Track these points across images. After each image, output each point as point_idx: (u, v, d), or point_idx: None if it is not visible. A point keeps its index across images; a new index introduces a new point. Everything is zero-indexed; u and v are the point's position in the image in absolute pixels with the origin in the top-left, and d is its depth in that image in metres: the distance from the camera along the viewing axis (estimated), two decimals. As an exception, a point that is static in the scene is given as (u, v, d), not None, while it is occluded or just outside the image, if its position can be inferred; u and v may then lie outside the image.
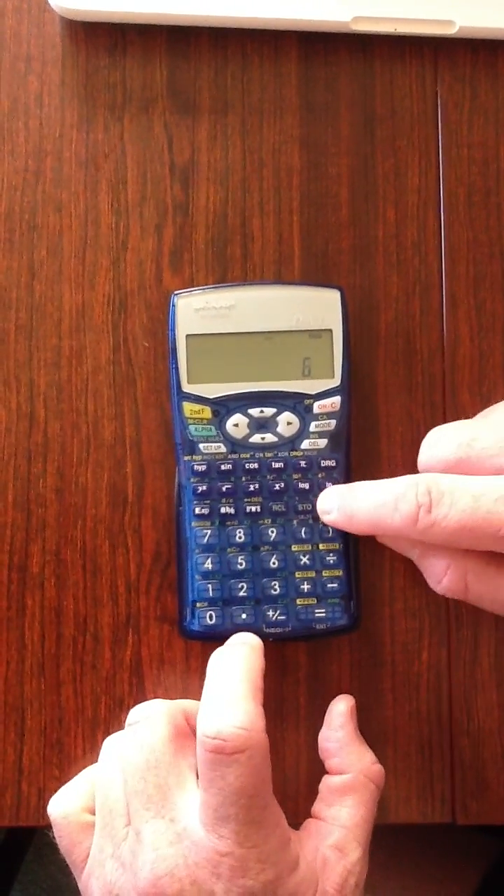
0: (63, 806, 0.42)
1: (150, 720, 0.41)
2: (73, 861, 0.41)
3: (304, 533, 0.44)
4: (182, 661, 0.46)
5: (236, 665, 0.40)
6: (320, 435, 0.44)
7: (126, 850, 0.38)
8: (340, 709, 0.45)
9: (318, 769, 0.44)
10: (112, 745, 0.42)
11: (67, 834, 0.41)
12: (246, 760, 0.36)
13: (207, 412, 0.44)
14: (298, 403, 0.44)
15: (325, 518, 0.44)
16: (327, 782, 0.43)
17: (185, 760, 0.40)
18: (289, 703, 0.46)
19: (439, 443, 0.42)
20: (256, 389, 0.44)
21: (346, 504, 0.43)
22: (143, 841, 0.38)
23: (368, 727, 0.45)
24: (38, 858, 0.81)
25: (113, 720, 0.46)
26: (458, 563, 0.42)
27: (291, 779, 0.45)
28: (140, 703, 0.43)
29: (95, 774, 0.42)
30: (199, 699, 0.41)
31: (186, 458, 0.44)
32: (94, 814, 0.41)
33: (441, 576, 0.42)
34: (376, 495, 0.42)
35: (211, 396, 0.44)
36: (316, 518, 0.44)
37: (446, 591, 0.42)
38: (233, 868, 0.36)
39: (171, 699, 0.44)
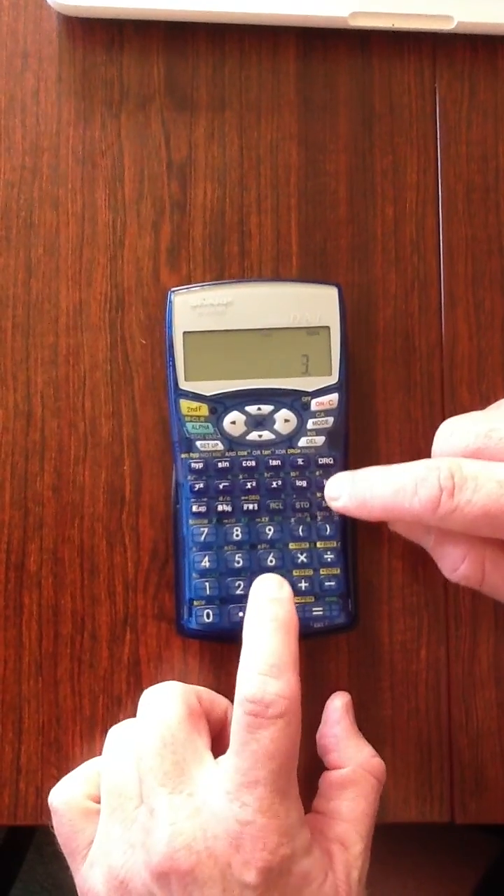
0: (65, 793, 0.41)
1: (163, 700, 0.41)
2: (72, 850, 0.40)
3: (302, 531, 0.44)
4: (180, 660, 0.46)
5: (275, 628, 0.39)
6: (318, 432, 0.44)
7: (137, 830, 0.38)
8: (336, 705, 0.45)
9: (317, 768, 0.44)
10: (119, 733, 0.42)
11: (69, 821, 0.41)
12: (283, 726, 0.37)
13: (204, 409, 0.44)
14: (296, 401, 0.44)
15: (333, 504, 0.44)
16: (327, 777, 0.43)
17: (200, 739, 0.40)
18: (287, 702, 0.46)
19: (456, 433, 0.41)
20: (254, 387, 0.44)
21: (358, 489, 0.42)
22: (157, 816, 0.37)
23: (366, 726, 0.45)
24: (38, 857, 0.81)
25: (111, 719, 0.46)
26: (476, 551, 0.41)
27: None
28: (138, 701, 0.43)
29: (101, 762, 0.42)
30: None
31: (183, 455, 0.44)
32: (97, 802, 0.41)
33: (458, 564, 0.41)
34: (393, 479, 0.41)
35: (208, 394, 0.44)
36: (314, 516, 0.44)
37: (462, 578, 0.42)
38: (253, 838, 0.36)
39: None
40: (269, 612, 0.40)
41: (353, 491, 0.43)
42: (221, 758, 0.39)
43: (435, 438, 0.42)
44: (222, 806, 0.37)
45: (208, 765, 0.39)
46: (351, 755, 0.43)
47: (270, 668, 0.38)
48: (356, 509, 0.43)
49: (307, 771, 0.44)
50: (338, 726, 0.44)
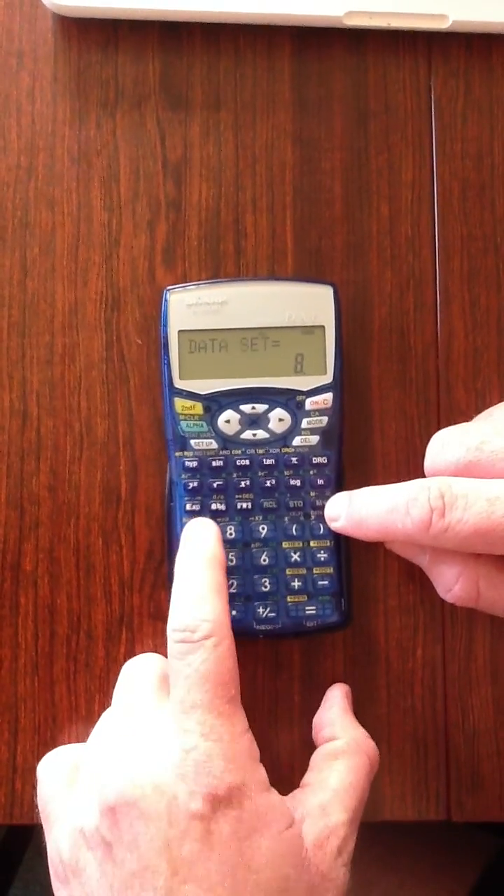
0: (50, 760, 0.42)
1: (140, 665, 0.42)
2: (47, 813, 0.40)
3: (295, 530, 0.44)
4: (176, 659, 0.46)
5: (198, 563, 0.40)
6: (312, 431, 0.44)
7: (94, 776, 0.38)
8: (336, 692, 0.45)
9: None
10: (105, 713, 0.42)
11: (49, 784, 0.40)
12: (211, 647, 0.37)
13: (199, 408, 0.44)
14: (290, 400, 0.44)
15: (333, 525, 0.44)
16: (318, 751, 0.43)
17: (167, 696, 0.40)
18: (283, 701, 0.46)
19: (447, 446, 0.41)
20: (248, 385, 0.44)
21: (354, 510, 0.43)
22: (108, 756, 0.38)
23: (363, 724, 0.45)
24: (38, 855, 0.81)
25: (107, 718, 0.46)
26: (469, 570, 0.41)
27: (286, 776, 0.45)
28: None
29: (88, 740, 0.42)
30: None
31: (178, 454, 0.44)
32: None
33: (452, 583, 0.41)
34: (386, 500, 0.41)
35: (202, 392, 0.44)
36: (307, 515, 0.44)
37: (457, 598, 0.42)
38: (197, 764, 0.36)
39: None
40: (193, 549, 0.41)
41: (350, 511, 0.43)
42: None
43: (427, 451, 0.42)
44: (168, 738, 0.37)
45: (165, 708, 0.39)
46: (346, 729, 0.43)
47: (194, 598, 0.39)
48: (353, 529, 0.43)
49: (302, 773, 0.44)
50: (336, 707, 0.44)
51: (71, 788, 0.40)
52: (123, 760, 0.37)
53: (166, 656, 0.42)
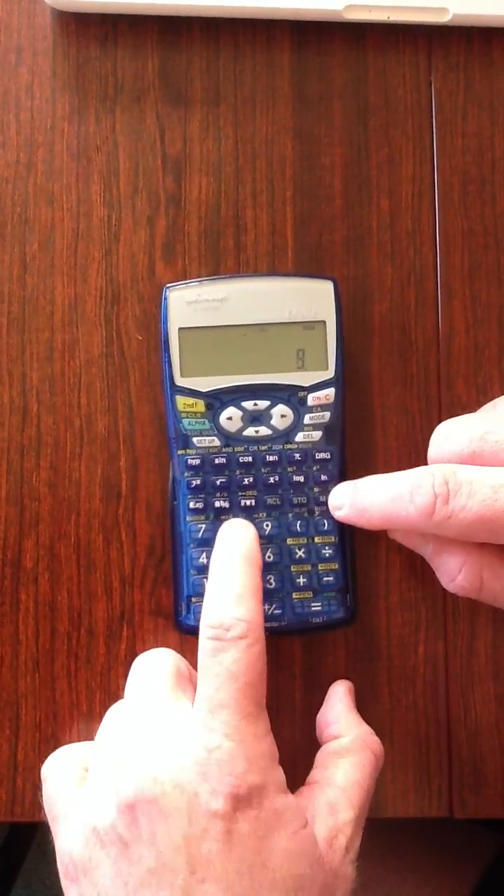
0: (57, 760, 0.41)
1: (153, 659, 0.42)
2: (55, 815, 0.39)
3: (300, 526, 0.44)
4: (177, 656, 0.46)
5: (236, 562, 0.40)
6: (315, 427, 0.44)
7: (109, 773, 0.38)
8: (339, 689, 0.45)
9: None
10: (114, 708, 0.42)
11: (56, 784, 0.40)
12: (245, 647, 0.37)
13: (201, 405, 0.44)
14: (292, 396, 0.44)
15: (336, 514, 0.44)
16: (324, 749, 0.43)
17: (184, 692, 0.40)
18: (284, 698, 0.46)
19: (451, 437, 0.41)
20: (250, 382, 0.44)
21: (358, 498, 0.42)
22: (124, 751, 0.38)
23: (365, 721, 0.45)
24: (40, 855, 0.81)
25: (108, 715, 0.46)
26: (473, 560, 0.41)
27: (287, 773, 0.45)
28: None
29: (97, 737, 0.41)
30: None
31: (180, 452, 0.44)
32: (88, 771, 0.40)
33: (455, 573, 0.41)
34: (390, 488, 0.41)
35: (204, 390, 0.44)
36: (311, 511, 0.44)
37: (460, 588, 0.41)
38: (220, 763, 0.36)
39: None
40: (232, 548, 0.41)
41: (353, 500, 0.43)
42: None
43: (430, 442, 0.42)
44: (191, 736, 0.37)
45: (186, 705, 0.39)
46: (351, 726, 0.43)
47: (231, 597, 0.39)
48: (357, 518, 0.43)
49: (304, 770, 0.44)
50: (340, 704, 0.44)
51: (79, 787, 0.39)
52: (142, 756, 0.37)
53: (178, 651, 0.42)
